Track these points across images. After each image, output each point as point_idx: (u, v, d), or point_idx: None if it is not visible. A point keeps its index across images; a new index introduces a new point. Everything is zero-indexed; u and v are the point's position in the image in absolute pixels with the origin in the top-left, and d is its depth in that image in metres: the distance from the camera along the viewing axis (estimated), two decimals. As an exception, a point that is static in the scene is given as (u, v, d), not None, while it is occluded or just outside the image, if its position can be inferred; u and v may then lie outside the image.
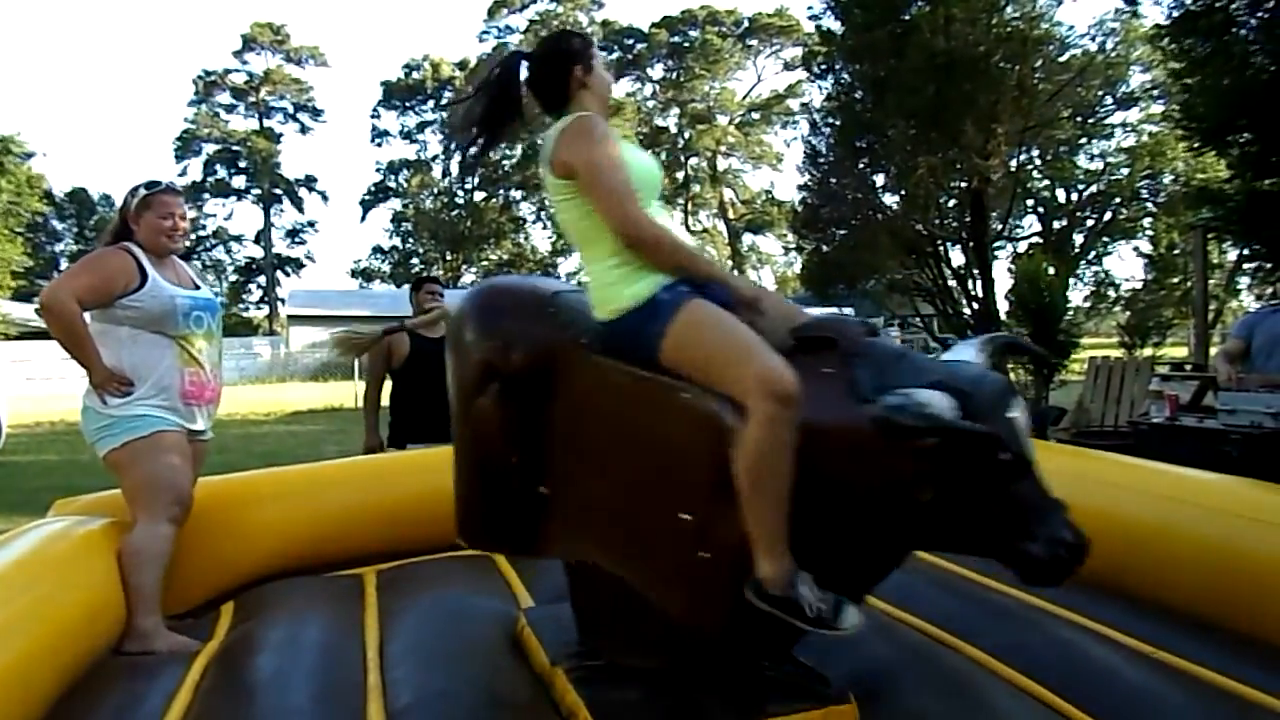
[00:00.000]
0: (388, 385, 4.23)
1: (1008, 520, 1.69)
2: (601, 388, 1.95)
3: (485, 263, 47.22)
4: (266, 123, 45.08)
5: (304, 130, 46.00)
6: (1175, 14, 7.92)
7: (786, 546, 1.68)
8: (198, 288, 2.85)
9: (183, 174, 43.59)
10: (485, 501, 2.14)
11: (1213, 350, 9.49)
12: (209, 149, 44.23)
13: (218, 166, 44.37)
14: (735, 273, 2.07)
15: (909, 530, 1.74)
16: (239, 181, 44.95)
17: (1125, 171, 22.11)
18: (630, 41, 43.96)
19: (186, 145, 44.08)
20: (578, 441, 2.00)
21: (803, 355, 1.76)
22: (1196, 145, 9.70)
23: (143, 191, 2.75)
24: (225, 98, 44.67)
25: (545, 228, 47.05)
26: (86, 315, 2.61)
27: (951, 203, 10.31)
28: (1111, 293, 26.07)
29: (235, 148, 43.97)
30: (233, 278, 46.20)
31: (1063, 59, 14.35)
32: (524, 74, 2.09)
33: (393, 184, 46.38)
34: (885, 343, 1.87)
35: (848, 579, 1.81)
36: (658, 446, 1.86)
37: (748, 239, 46.38)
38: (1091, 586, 2.58)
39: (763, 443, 1.63)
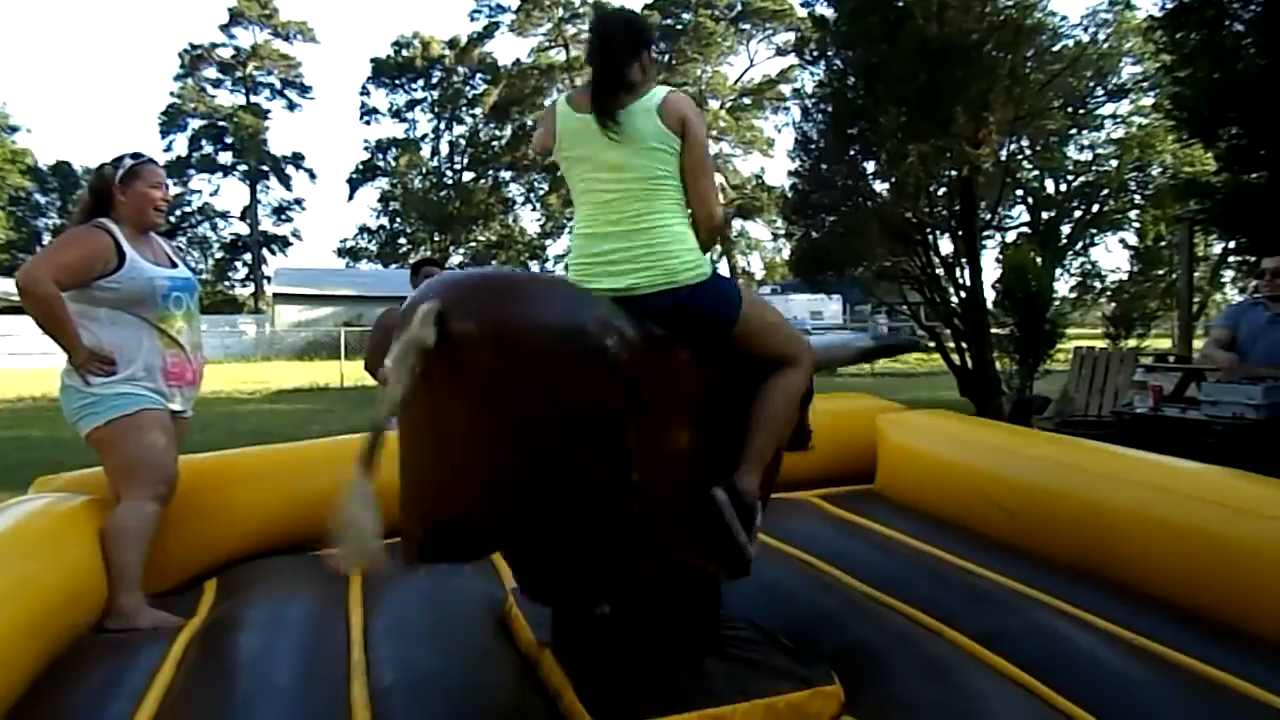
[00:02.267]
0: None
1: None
2: (682, 369, 1.92)
3: (474, 244, 46.99)
4: (253, 98, 44.61)
5: (292, 107, 45.60)
6: (1168, 6, 7.92)
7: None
8: (175, 266, 2.80)
9: (168, 149, 43.18)
10: (613, 542, 1.76)
11: (1196, 343, 9.55)
12: (195, 124, 43.75)
13: (204, 142, 43.90)
14: (724, 258, 2.17)
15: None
16: (225, 157, 44.54)
17: (1114, 163, 22.19)
18: (622, 23, 43.60)
19: (172, 120, 43.57)
20: (655, 437, 1.84)
21: None
22: (1185, 138, 9.75)
23: (129, 161, 2.69)
24: (212, 72, 44.17)
25: (534, 209, 46.89)
26: (64, 296, 2.55)
27: (941, 191, 10.29)
28: (1097, 284, 26.24)
29: (222, 123, 43.51)
30: (218, 255, 45.84)
31: (1055, 49, 14.36)
32: (598, 37, 2.11)
33: (381, 163, 46.04)
34: None
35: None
36: (711, 415, 1.99)
37: (737, 224, 46.26)
38: (1073, 572, 2.62)
39: (801, 387, 2.14)
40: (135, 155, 2.74)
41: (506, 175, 45.63)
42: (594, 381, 1.69)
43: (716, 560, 2.02)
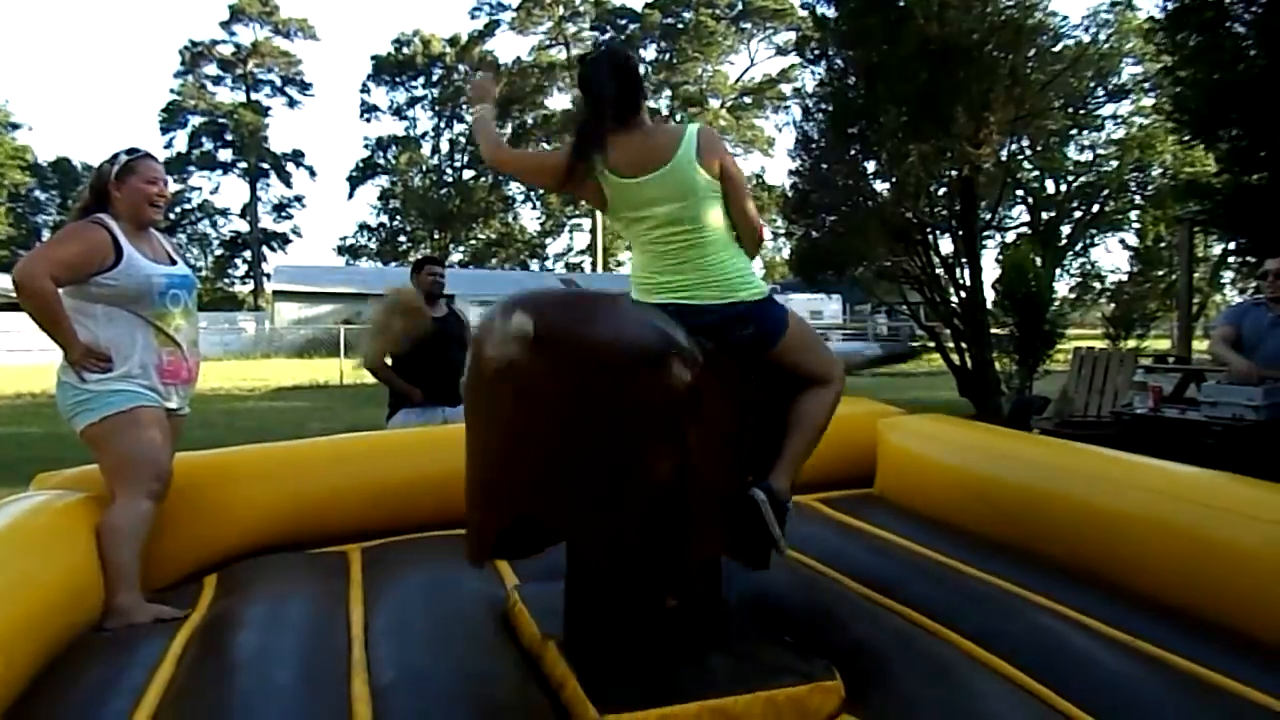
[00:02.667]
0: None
1: None
2: (730, 380, 2.07)
3: (474, 242, 46.98)
4: (254, 95, 44.66)
5: (292, 104, 45.68)
6: (1169, 8, 7.93)
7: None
8: (174, 262, 2.79)
9: (168, 146, 43.26)
10: (675, 537, 1.95)
11: (1196, 344, 9.56)
12: (195, 121, 43.81)
13: (204, 139, 43.96)
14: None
15: None
16: (225, 155, 44.61)
17: (1114, 164, 22.20)
18: (623, 21, 43.67)
19: (172, 117, 43.62)
20: (706, 440, 1.99)
21: None
22: (1186, 139, 9.75)
23: (124, 157, 2.68)
24: (212, 69, 44.23)
25: (534, 207, 46.90)
26: (60, 291, 2.53)
27: (941, 191, 10.31)
28: (1097, 284, 26.27)
29: (222, 120, 43.55)
30: (218, 252, 45.92)
31: (1056, 49, 14.36)
32: (600, 75, 2.26)
33: (381, 160, 46.09)
34: None
35: None
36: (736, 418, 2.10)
37: (737, 223, 46.21)
38: (1071, 574, 2.62)
39: (834, 402, 2.30)
40: (131, 151, 2.72)
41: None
42: (661, 389, 1.86)
43: (746, 555, 2.17)
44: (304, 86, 45.39)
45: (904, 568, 2.79)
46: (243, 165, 44.42)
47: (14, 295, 2.52)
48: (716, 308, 2.15)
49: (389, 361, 4.32)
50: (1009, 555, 2.84)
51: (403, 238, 46.68)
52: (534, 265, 46.51)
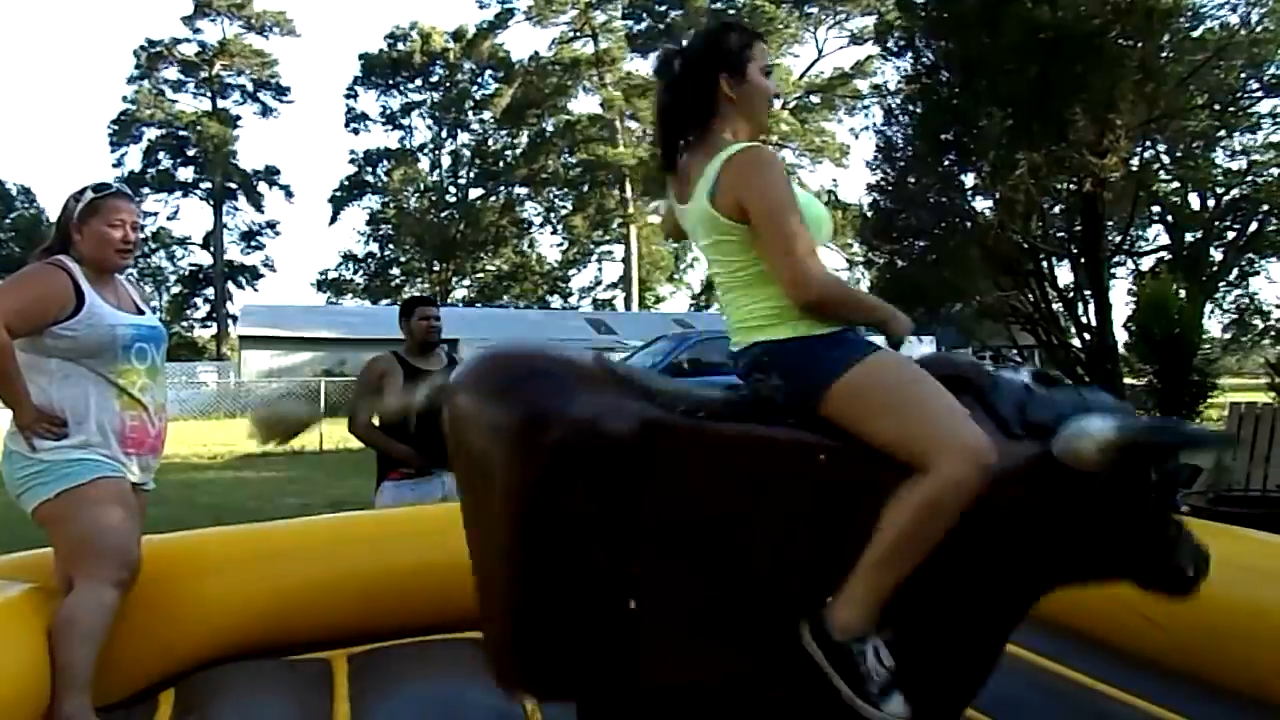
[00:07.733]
0: None
1: (1161, 534, 2.17)
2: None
3: (481, 274, 47.55)
4: (221, 103, 46.00)
5: (265, 112, 46.98)
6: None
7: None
8: (141, 312, 2.89)
9: (119, 164, 44.53)
10: (554, 632, 1.90)
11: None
12: (151, 134, 45.13)
13: (161, 155, 45.22)
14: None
15: (1057, 565, 2.11)
16: (185, 173, 45.83)
17: (1276, 172, 21.96)
18: (663, 8, 44.49)
19: (124, 130, 44.93)
20: (687, 534, 1.92)
21: None
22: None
23: (90, 194, 2.79)
24: (172, 73, 45.67)
25: (554, 232, 47.45)
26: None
27: (1058, 209, 10.31)
28: (1259, 322, 25.84)
29: (182, 132, 44.79)
30: (175, 289, 46.90)
31: (1196, 34, 14.36)
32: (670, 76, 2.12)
33: (370, 178, 47.03)
34: (1010, 377, 2.16)
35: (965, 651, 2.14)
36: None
37: (803, 249, 46.35)
38: (1242, 699, 2.56)
39: (940, 505, 1.85)
40: (99, 186, 2.83)
41: (521, 191, 46.31)
42: (553, 465, 1.93)
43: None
44: (280, 91, 46.74)
45: (1024, 687, 2.75)
46: (206, 185, 45.61)
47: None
48: (736, 354, 2.10)
49: (377, 422, 4.35)
50: (1160, 674, 2.80)
51: (396, 270, 47.44)
52: (555, 302, 46.98)
